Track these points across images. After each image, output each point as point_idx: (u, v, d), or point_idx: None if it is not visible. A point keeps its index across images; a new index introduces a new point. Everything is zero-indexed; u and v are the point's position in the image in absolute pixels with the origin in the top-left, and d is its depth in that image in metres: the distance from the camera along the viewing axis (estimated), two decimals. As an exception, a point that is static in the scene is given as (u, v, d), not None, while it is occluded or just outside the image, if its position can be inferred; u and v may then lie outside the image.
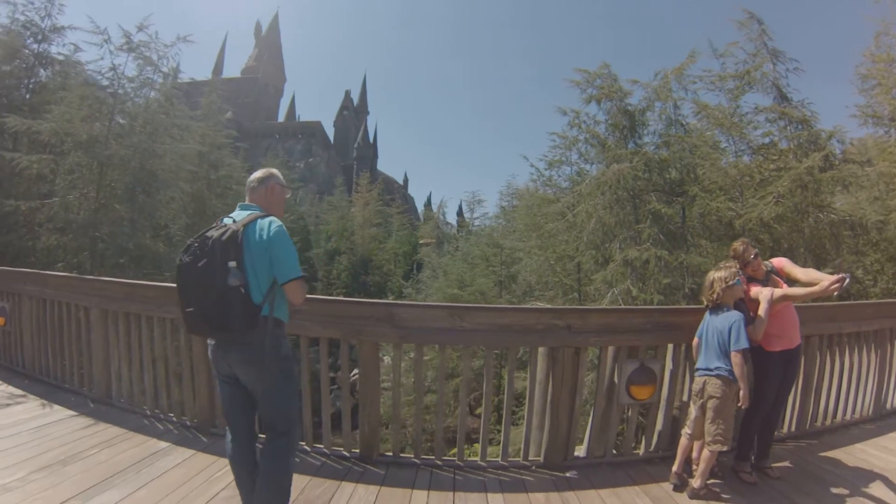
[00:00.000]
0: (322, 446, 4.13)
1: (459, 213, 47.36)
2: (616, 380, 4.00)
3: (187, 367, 4.54)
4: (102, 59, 11.91)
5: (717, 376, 3.49)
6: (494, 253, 20.08)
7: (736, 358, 3.41)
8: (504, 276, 18.71)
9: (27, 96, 12.45)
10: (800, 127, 10.02)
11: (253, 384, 2.64)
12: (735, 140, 10.09)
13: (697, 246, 9.98)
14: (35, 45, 12.64)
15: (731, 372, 3.44)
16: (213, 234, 2.51)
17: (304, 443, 4.13)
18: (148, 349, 4.77)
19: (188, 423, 4.55)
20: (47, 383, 5.69)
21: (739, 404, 3.44)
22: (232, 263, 2.42)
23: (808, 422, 4.73)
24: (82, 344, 5.41)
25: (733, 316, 3.54)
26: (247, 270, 2.49)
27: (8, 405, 5.06)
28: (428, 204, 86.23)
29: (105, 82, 11.25)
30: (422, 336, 3.96)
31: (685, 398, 4.12)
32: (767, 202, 8.39)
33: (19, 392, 5.44)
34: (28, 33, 12.48)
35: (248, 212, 2.73)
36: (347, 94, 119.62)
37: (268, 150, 42.81)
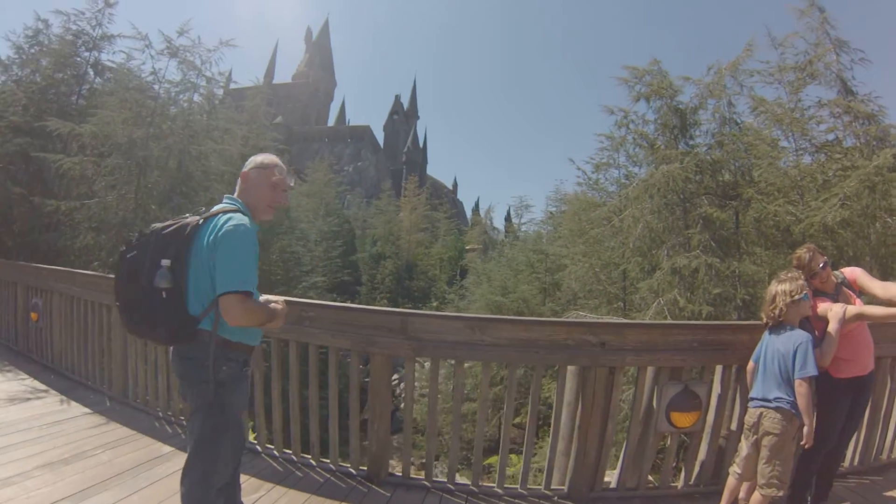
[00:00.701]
0: (328, 461, 3.87)
1: (507, 219, 46.82)
2: (655, 404, 3.53)
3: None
4: (144, 63, 12.16)
5: (777, 409, 2.93)
6: (539, 259, 19.64)
7: (801, 387, 2.86)
8: (548, 283, 18.24)
9: (79, 102, 12.88)
10: (866, 123, 9.22)
11: (186, 400, 2.33)
12: (795, 137, 9.32)
13: (751, 254, 9.30)
14: (87, 54, 13.15)
15: (793, 404, 2.89)
16: (159, 225, 2.17)
17: (309, 456, 3.91)
18: (162, 350, 4.64)
19: (196, 427, 4.37)
20: (71, 379, 5.72)
21: (802, 443, 2.88)
22: (165, 262, 2.05)
23: (874, 455, 4.11)
24: (104, 342, 5.39)
25: (799, 336, 2.97)
26: (188, 273, 2.11)
27: (29, 399, 5.07)
28: (476, 209, 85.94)
29: (146, 87, 11.51)
30: (438, 350, 3.61)
31: (733, 427, 3.62)
32: (832, 205, 7.64)
33: (42, 387, 5.47)
34: (80, 42, 12.98)
35: (223, 204, 2.33)
36: (397, 98, 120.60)
37: (316, 154, 43.45)
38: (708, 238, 8.65)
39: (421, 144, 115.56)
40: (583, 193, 14.78)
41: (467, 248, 41.20)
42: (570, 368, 3.67)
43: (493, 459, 10.45)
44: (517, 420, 20.27)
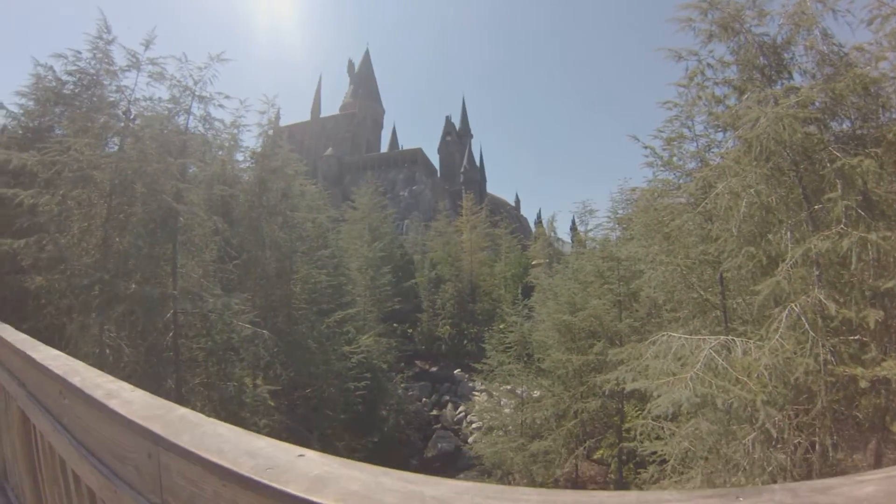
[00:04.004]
0: None
1: (573, 228, 43.72)
2: None
3: None
4: (110, 83, 10.72)
5: None
6: (610, 267, 16.66)
7: None
8: (623, 295, 15.25)
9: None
10: None
11: None
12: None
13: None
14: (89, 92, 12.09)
15: None
16: None
17: None
18: None
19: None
20: None
21: None
22: None
23: None
24: None
25: None
26: None
27: None
28: (539, 221, 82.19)
29: (104, 105, 10.01)
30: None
31: None
32: None
33: None
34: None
35: None
36: (448, 119, 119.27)
37: (368, 181, 42.15)
38: (853, 205, 5.68)
39: (477, 163, 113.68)
40: (654, 178, 11.87)
41: (532, 263, 38.36)
42: None
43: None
44: (598, 454, 17.41)
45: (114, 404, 1.66)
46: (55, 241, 8.42)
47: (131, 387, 1.87)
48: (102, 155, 9.24)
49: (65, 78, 11.84)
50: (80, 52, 11.34)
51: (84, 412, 1.87)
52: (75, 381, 2.00)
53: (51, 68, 11.78)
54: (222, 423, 1.39)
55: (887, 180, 6.13)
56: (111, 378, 2.01)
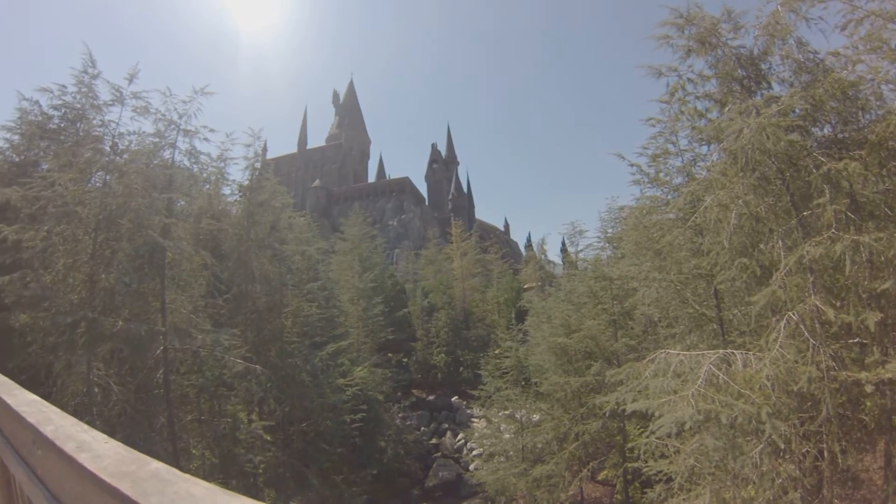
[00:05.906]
0: None
1: (563, 249, 43.82)
2: None
3: None
4: (94, 117, 10.82)
5: None
6: (603, 287, 16.60)
7: None
8: (618, 314, 15.18)
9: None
10: None
11: None
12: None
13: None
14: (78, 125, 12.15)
15: None
16: None
17: None
18: None
19: None
20: None
21: None
22: None
23: None
24: None
25: None
26: None
27: None
28: (529, 244, 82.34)
29: (89, 139, 10.03)
30: None
31: None
32: None
33: None
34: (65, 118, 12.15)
35: None
36: (434, 147, 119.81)
37: (356, 212, 41.65)
38: (843, 207, 5.71)
39: (465, 189, 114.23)
40: (642, 195, 11.93)
41: (524, 287, 38.29)
42: None
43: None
44: (602, 475, 17.19)
45: (83, 458, 1.58)
46: (38, 277, 8.35)
47: (105, 438, 1.76)
48: (87, 190, 9.23)
49: (50, 112, 11.98)
50: (65, 87, 11.41)
51: (56, 465, 1.76)
52: (48, 430, 1.90)
53: (36, 102, 11.90)
54: (197, 482, 1.31)
55: (873, 182, 6.19)
56: (85, 427, 1.90)
